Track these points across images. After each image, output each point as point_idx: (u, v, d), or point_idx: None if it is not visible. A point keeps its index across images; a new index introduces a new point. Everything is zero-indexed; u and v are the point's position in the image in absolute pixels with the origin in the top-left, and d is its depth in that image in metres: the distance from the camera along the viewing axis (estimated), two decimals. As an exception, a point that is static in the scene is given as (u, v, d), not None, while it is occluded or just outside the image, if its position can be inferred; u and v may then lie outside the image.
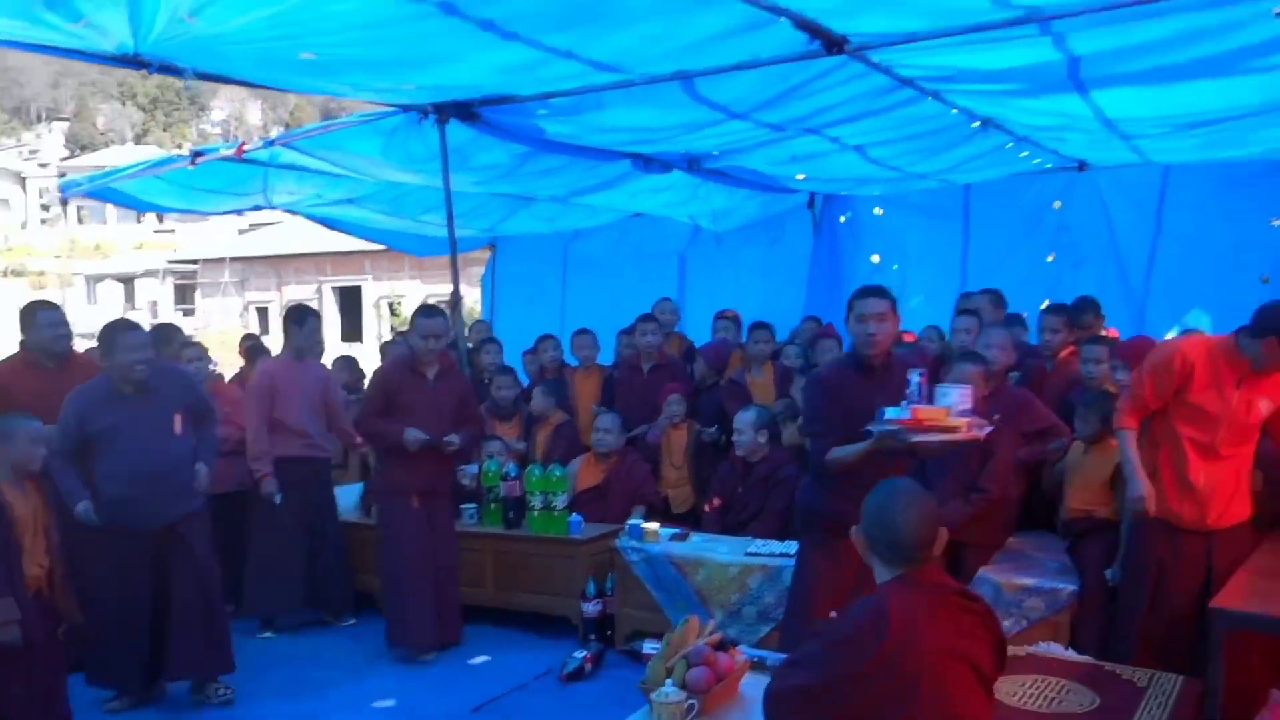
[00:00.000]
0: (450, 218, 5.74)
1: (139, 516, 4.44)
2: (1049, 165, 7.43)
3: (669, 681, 2.63)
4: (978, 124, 5.79)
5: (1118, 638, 3.99)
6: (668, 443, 6.20)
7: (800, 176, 7.39)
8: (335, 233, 9.63)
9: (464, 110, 5.27)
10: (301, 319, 5.94)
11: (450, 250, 5.90)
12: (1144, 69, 4.46)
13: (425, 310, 5.48)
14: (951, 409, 3.45)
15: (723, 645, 2.86)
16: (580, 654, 4.82)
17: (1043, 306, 6.04)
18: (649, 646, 4.91)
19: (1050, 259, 7.75)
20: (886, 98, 5.08)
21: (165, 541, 4.52)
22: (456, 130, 5.43)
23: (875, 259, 8.49)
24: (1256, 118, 5.31)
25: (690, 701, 2.61)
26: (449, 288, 6.18)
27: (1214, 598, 3.53)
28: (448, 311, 5.60)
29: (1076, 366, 5.18)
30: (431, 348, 5.21)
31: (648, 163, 6.46)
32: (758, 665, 2.99)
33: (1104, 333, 5.81)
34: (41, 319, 4.93)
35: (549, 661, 4.97)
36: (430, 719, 4.46)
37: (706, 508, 5.64)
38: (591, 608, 5.13)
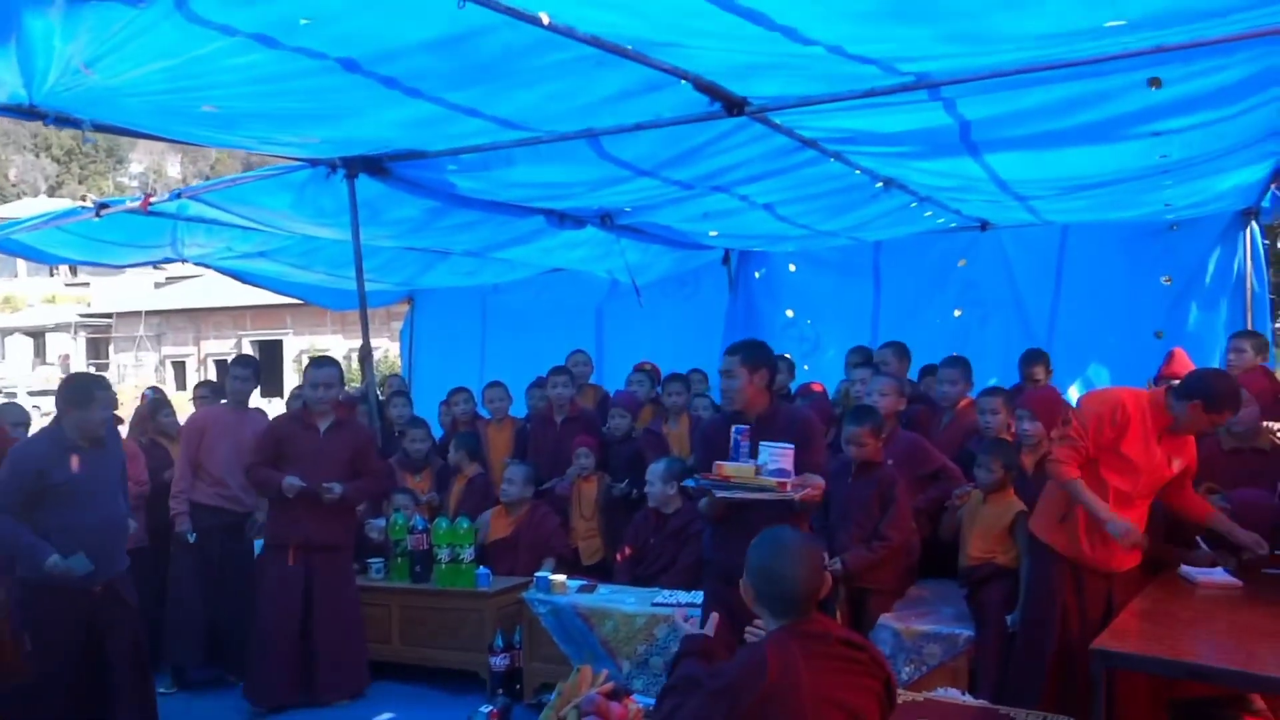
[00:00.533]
0: (359, 271, 5.71)
1: (77, 556, 4.29)
2: (953, 224, 7.63)
3: None
4: (881, 184, 5.95)
5: (1018, 681, 4.06)
6: (578, 495, 6.20)
7: (713, 234, 7.52)
8: (253, 289, 9.51)
9: (373, 165, 5.27)
10: (234, 365, 5.98)
11: (360, 304, 5.86)
12: (1031, 134, 4.64)
13: (316, 361, 5.51)
14: (763, 467, 3.63)
15: (615, 694, 2.86)
16: (486, 709, 4.75)
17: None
18: (555, 700, 4.91)
19: (957, 314, 7.97)
20: (790, 157, 5.21)
21: (103, 598, 4.43)
22: (366, 184, 5.43)
23: (790, 314, 8.66)
24: (1140, 181, 5.56)
25: None
26: (374, 340, 6.15)
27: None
28: (357, 363, 5.57)
29: (974, 417, 5.31)
30: (321, 396, 5.25)
31: (561, 219, 6.51)
32: (651, 714, 2.99)
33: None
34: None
35: (455, 717, 4.89)
36: None
37: (618, 557, 5.65)
38: (500, 661, 5.08)
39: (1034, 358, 6.15)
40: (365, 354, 5.69)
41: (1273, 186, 5.76)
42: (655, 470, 5.39)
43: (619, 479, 6.12)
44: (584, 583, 5.25)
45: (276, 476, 5.12)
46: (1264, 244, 7.24)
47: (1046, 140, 4.72)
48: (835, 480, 4.52)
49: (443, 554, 5.42)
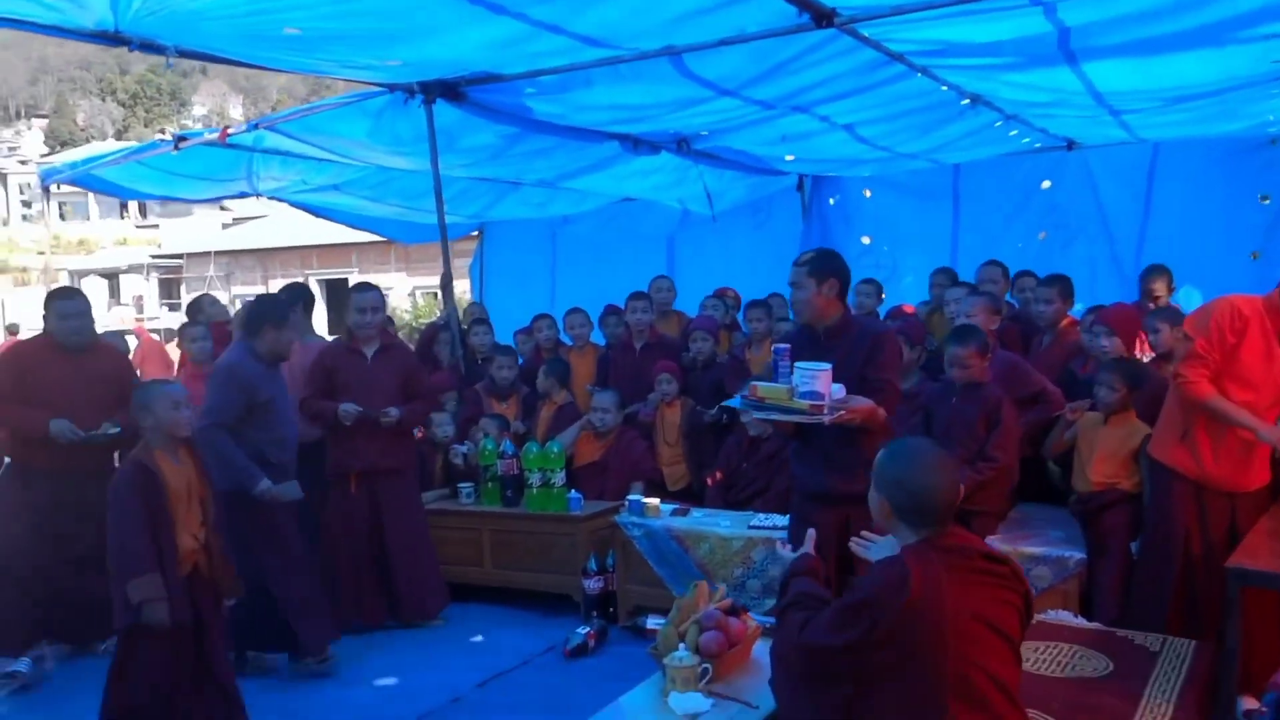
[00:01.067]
0: (439, 197, 5.68)
1: (290, 484, 4.66)
2: (1037, 145, 7.43)
3: (682, 646, 2.61)
4: (967, 101, 5.76)
5: (1141, 607, 3.94)
6: (661, 420, 6.16)
7: (789, 158, 7.37)
8: (321, 226, 9.56)
9: (450, 90, 5.21)
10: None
11: (440, 232, 5.83)
12: (1134, 39, 4.42)
13: (359, 286, 5.49)
14: (795, 389, 3.48)
15: (733, 610, 2.84)
16: (584, 630, 4.81)
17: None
18: (653, 622, 4.88)
19: (1042, 237, 7.75)
20: (876, 74, 5.05)
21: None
22: (443, 111, 5.38)
23: (866, 240, 8.49)
24: (1246, 90, 5.30)
25: (704, 665, 2.59)
26: (435, 279, 6.14)
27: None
28: (440, 293, 5.59)
29: (1075, 337, 5.16)
30: (369, 320, 5.25)
31: (636, 144, 6.42)
32: (769, 631, 2.97)
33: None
34: (59, 309, 4.93)
35: (550, 639, 4.95)
36: (434, 696, 4.41)
37: (709, 481, 5.63)
38: (593, 584, 5.11)
39: (1156, 272, 5.81)
40: (446, 281, 5.67)
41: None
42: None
43: (702, 405, 6.07)
44: (676, 506, 5.24)
45: (331, 406, 5.12)
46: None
47: (1150, 46, 4.49)
48: (938, 401, 4.47)
49: (534, 478, 5.43)
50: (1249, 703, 3.61)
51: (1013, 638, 2.26)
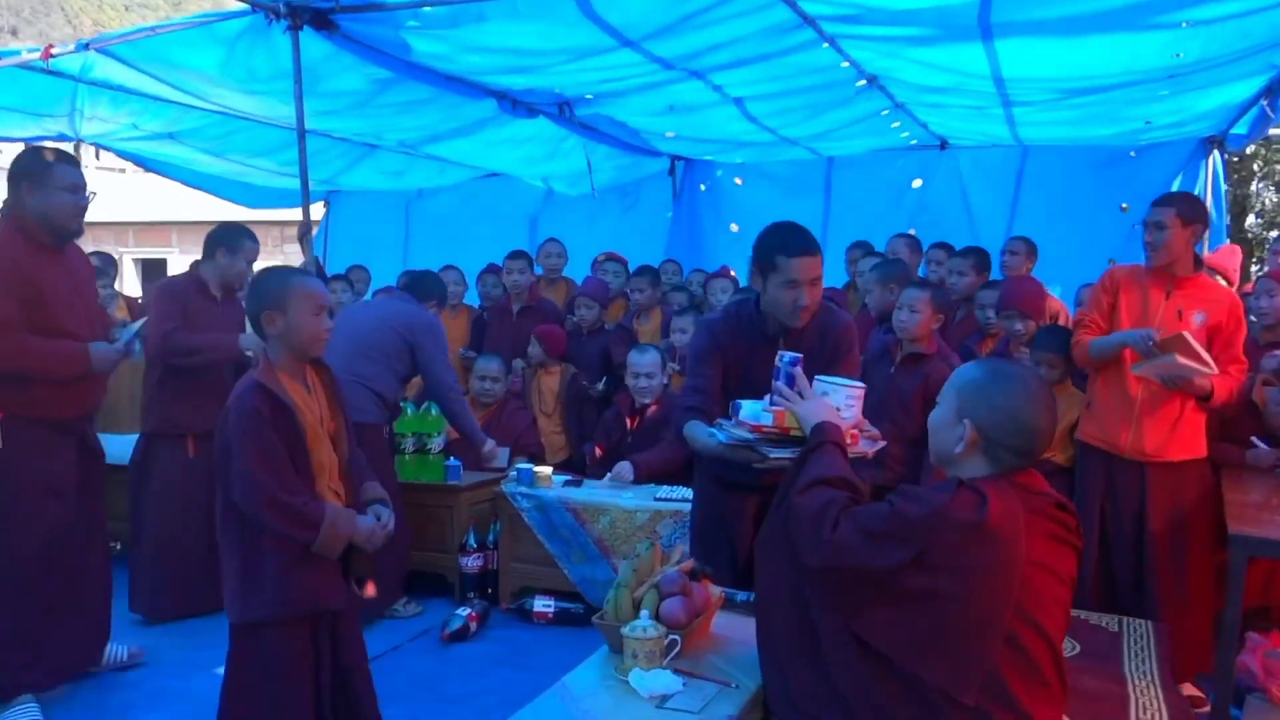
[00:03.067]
0: (302, 138, 5.06)
1: None
2: (914, 141, 7.44)
3: (644, 613, 2.19)
4: (863, 82, 5.64)
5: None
6: (538, 388, 5.74)
7: (670, 134, 7.11)
8: (139, 201, 8.70)
9: (321, 17, 4.66)
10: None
11: (301, 171, 5.20)
12: (1053, 16, 4.34)
13: (249, 234, 4.82)
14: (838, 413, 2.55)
15: (694, 574, 2.44)
16: (464, 612, 4.33)
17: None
18: (540, 604, 4.48)
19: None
20: (783, 39, 4.82)
21: None
22: (310, 44, 4.80)
23: (735, 228, 8.34)
24: (1139, 88, 5.36)
25: (672, 637, 2.18)
26: (268, 261, 5.49)
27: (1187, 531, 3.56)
28: (300, 243, 5.01)
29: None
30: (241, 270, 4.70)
31: (515, 105, 5.99)
32: (729, 603, 2.60)
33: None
34: (59, 176, 3.60)
35: (424, 622, 4.48)
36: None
37: (591, 456, 5.20)
38: (472, 562, 4.64)
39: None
40: (305, 231, 5.06)
41: (1263, 102, 5.59)
42: (647, 360, 4.95)
43: (586, 374, 5.68)
44: (568, 477, 4.82)
45: (225, 336, 4.52)
46: (1225, 172, 7.19)
47: (1068, 25, 4.42)
48: (874, 366, 4.12)
49: (407, 444, 4.87)
50: (1188, 690, 3.51)
51: (1068, 600, 1.95)
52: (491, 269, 6.64)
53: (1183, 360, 3.48)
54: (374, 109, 6.03)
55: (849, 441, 2.37)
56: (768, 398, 2.53)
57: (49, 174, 3.56)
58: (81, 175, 3.72)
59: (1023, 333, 4.49)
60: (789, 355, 2.58)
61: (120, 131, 6.82)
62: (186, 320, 4.51)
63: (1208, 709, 3.39)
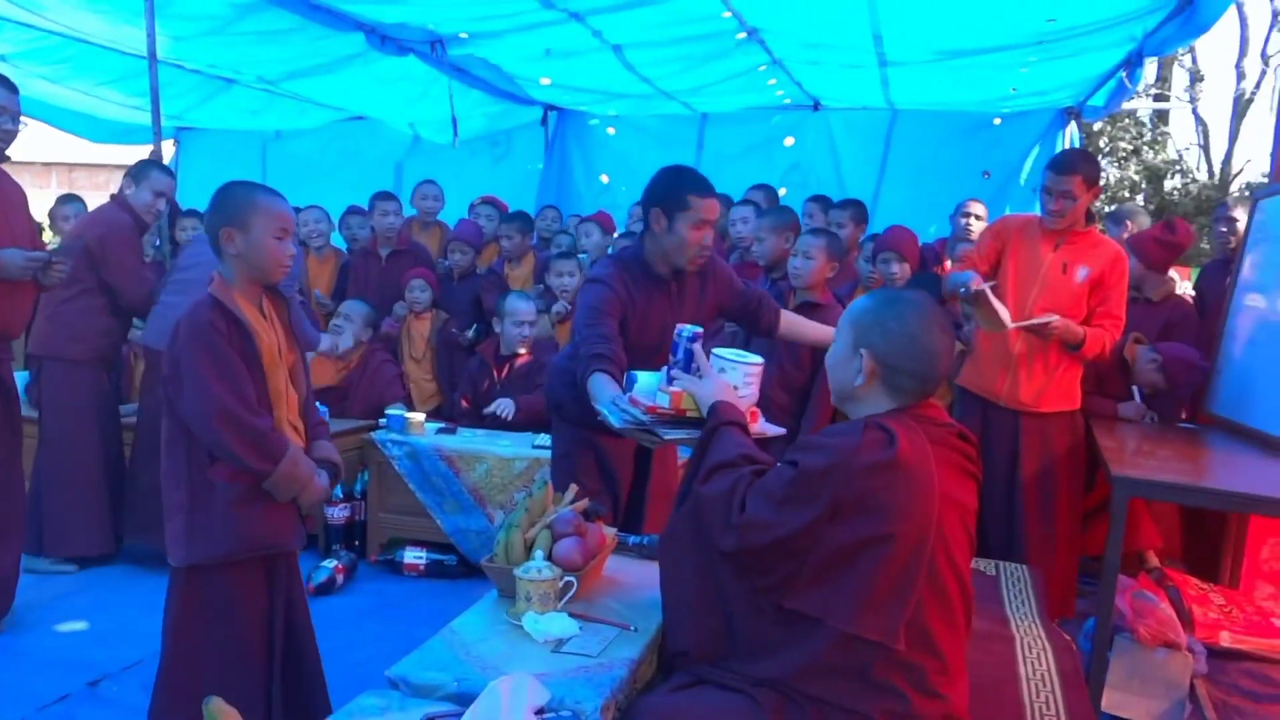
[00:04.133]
0: (153, 59, 4.70)
1: None
2: (788, 100, 7.45)
3: (538, 554, 2.08)
4: (743, 35, 5.59)
5: None
6: (408, 333, 5.51)
7: (545, 81, 6.93)
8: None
9: (178, -72, 4.34)
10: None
11: (153, 99, 4.83)
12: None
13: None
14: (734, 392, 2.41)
15: (589, 514, 2.34)
16: (330, 564, 4.12)
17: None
18: (411, 556, 4.32)
19: (782, 193, 7.77)
20: (668, -16, 4.73)
21: None
22: (164, -46, 4.48)
23: (605, 179, 8.24)
24: (1010, 52, 5.46)
25: (567, 579, 2.08)
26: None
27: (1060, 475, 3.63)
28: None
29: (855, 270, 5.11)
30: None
31: (384, 40, 5.71)
32: (623, 546, 2.51)
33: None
34: None
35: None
36: (140, 644, 3.55)
37: (463, 403, 5.02)
38: (338, 513, 4.43)
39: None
40: (156, 159, 4.72)
41: (1121, 73, 5.78)
42: (524, 308, 4.79)
43: (457, 320, 5.51)
44: (442, 425, 4.64)
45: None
46: (1081, 143, 7.46)
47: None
48: None
49: None
50: (1056, 631, 3.62)
51: (973, 533, 1.92)
52: (355, 210, 6.33)
53: (981, 312, 3.59)
54: (232, 37, 5.66)
55: (753, 419, 2.30)
56: (664, 370, 2.44)
57: None
58: (14, 100, 3.49)
59: (898, 275, 4.54)
60: (688, 330, 2.45)
61: (-60, 49, 6.24)
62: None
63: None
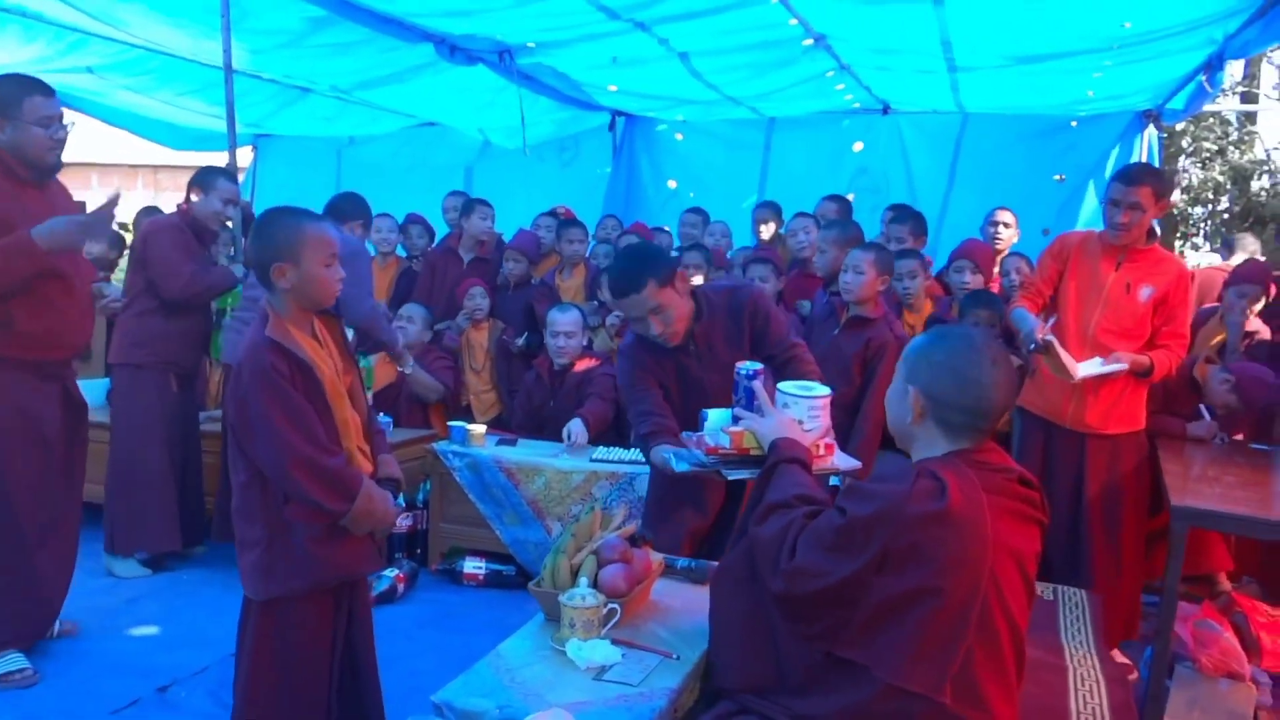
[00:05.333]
0: (229, 72, 4.82)
1: None
2: (857, 104, 7.38)
3: (583, 581, 2.11)
4: (810, 42, 5.54)
5: None
6: (467, 343, 5.58)
7: (612, 88, 6.96)
8: (73, 111, 8.28)
9: (251, -52, 4.44)
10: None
11: (228, 111, 4.96)
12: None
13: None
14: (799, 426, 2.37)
15: (635, 540, 2.36)
16: (391, 573, 4.20)
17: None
18: (470, 565, 4.39)
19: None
20: (732, -9, 4.71)
21: None
22: (240, -26, 4.59)
23: (672, 184, 8.24)
24: (1084, 57, 5.35)
25: (611, 606, 2.10)
26: None
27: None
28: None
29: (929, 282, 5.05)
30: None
31: (453, 51, 5.79)
32: (671, 570, 2.52)
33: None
34: (31, 109, 3.33)
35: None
36: (209, 649, 3.67)
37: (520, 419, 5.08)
38: (401, 522, 4.50)
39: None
40: (230, 171, 4.85)
41: (1201, 76, 5.63)
42: (566, 320, 4.82)
43: (511, 328, 5.57)
44: (503, 436, 4.70)
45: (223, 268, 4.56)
46: (1160, 146, 7.26)
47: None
48: (819, 326, 4.05)
49: None
50: (1118, 656, 3.55)
51: (1032, 579, 1.88)
52: (414, 219, 6.44)
53: (1050, 360, 3.53)
54: (306, 49, 5.78)
55: (821, 453, 2.28)
56: (734, 410, 2.43)
57: (19, 107, 3.32)
58: (56, 106, 3.47)
59: (969, 285, 4.50)
60: (747, 368, 2.42)
61: (33, 62, 6.47)
62: (194, 261, 4.50)
63: (1135, 677, 3.44)
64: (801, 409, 2.31)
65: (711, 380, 2.96)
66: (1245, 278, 4.24)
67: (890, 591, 1.73)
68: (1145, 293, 3.62)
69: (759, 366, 2.43)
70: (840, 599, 1.77)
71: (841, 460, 2.39)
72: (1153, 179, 3.64)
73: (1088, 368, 3.55)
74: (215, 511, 4.59)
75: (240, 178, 9.27)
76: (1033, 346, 3.59)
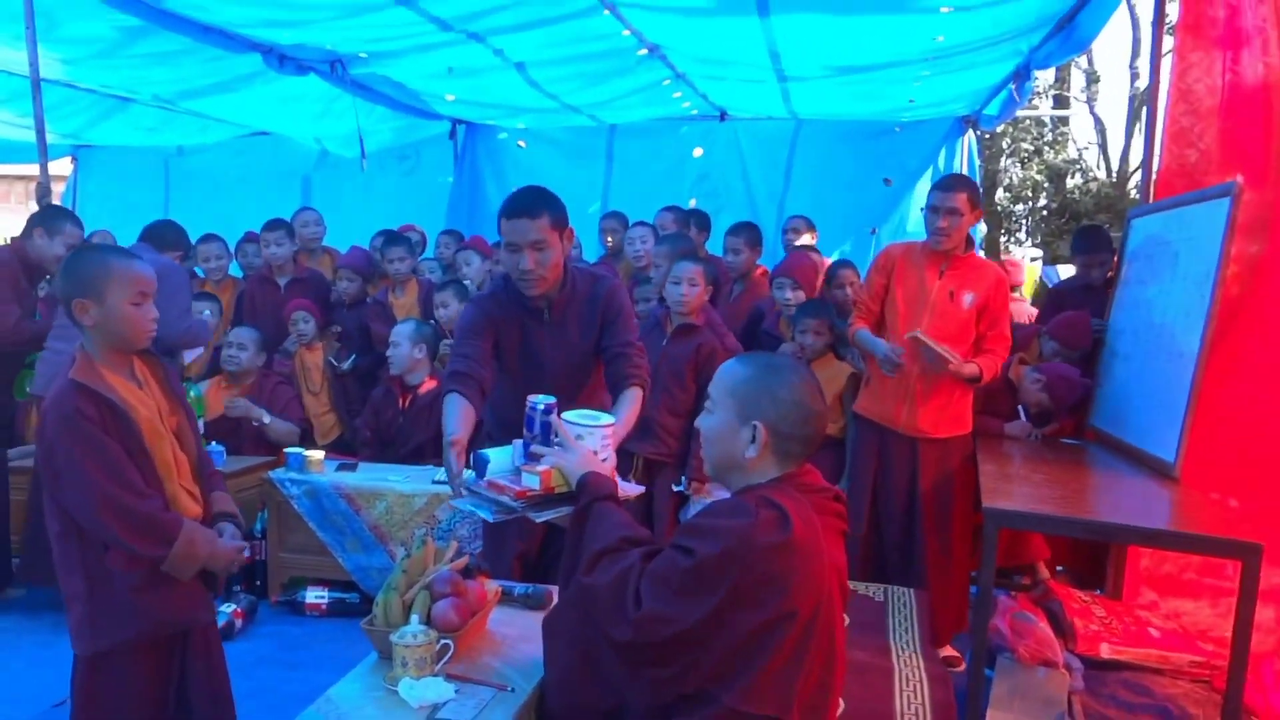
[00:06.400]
0: (36, 86, 4.58)
1: None
2: (694, 111, 7.51)
3: (414, 618, 2.08)
4: (644, 51, 5.62)
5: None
6: (301, 365, 5.44)
7: (450, 98, 6.89)
8: None
9: (56, -45, 4.23)
10: None
11: (37, 125, 4.70)
12: (826, -2, 4.45)
13: None
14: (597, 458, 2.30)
15: (468, 572, 2.34)
16: (228, 608, 4.04)
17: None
18: (312, 595, 4.28)
19: (692, 204, 7.83)
20: (564, 4, 4.73)
21: None
22: (46, -21, 4.36)
23: (515, 193, 8.19)
24: (903, 68, 5.58)
25: (444, 642, 2.08)
26: (10, 219, 5.01)
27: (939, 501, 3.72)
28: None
29: (765, 289, 5.14)
30: None
31: (282, 60, 5.63)
32: (508, 596, 2.51)
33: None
34: None
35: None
36: (31, 701, 3.47)
37: (366, 434, 4.97)
38: (236, 554, 4.34)
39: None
40: (44, 192, 4.60)
41: (1010, 86, 5.96)
42: (402, 331, 4.75)
43: (348, 348, 5.46)
44: (342, 461, 4.59)
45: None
46: (979, 149, 7.64)
47: (839, 4, 4.55)
48: (646, 337, 4.09)
49: None
50: (946, 651, 3.72)
51: (846, 586, 1.94)
52: (250, 237, 6.22)
53: (924, 353, 3.70)
54: (122, 60, 5.55)
55: (615, 490, 2.19)
56: (516, 443, 2.36)
57: None
58: None
59: (791, 302, 4.62)
60: (540, 402, 2.35)
61: None
62: (20, 302, 4.29)
63: (962, 668, 3.62)
64: (595, 439, 2.26)
65: (550, 356, 2.95)
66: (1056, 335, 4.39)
67: (748, 624, 1.73)
68: (968, 299, 3.80)
69: (552, 400, 2.37)
70: (693, 640, 1.75)
71: (628, 488, 2.36)
72: (968, 186, 3.84)
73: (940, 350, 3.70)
74: (23, 550, 4.34)
75: (60, 188, 8.85)
76: (897, 359, 3.73)
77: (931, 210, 3.86)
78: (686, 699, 1.79)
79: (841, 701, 2.22)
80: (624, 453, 3.98)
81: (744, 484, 1.91)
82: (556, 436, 2.25)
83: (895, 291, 3.93)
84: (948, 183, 3.88)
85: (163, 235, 4.82)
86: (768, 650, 1.74)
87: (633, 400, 2.85)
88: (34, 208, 4.68)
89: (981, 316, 3.83)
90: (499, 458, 2.31)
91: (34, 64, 4.45)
